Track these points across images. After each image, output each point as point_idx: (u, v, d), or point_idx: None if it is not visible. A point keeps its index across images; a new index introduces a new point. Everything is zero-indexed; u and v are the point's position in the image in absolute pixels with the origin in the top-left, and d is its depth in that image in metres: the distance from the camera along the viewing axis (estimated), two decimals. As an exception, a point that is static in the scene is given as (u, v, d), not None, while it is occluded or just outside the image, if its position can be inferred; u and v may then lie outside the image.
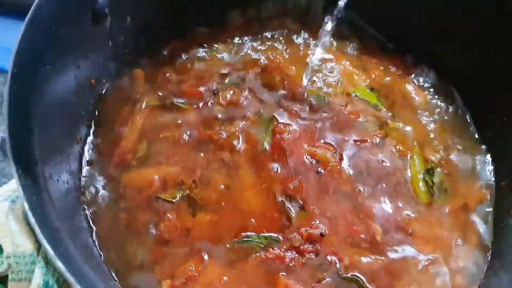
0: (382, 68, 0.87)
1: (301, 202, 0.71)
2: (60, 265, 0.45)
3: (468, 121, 0.83)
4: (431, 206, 0.74)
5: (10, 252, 0.73)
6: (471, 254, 0.72)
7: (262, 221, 0.70)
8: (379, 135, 0.79)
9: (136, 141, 0.75)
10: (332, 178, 0.74)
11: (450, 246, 0.71)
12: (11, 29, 0.93)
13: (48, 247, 0.45)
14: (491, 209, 0.75)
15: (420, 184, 0.76)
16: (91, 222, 0.69)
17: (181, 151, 0.75)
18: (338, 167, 0.75)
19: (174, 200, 0.70)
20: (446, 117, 0.83)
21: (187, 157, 0.74)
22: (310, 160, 0.75)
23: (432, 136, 0.81)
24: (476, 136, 0.82)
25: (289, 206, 0.71)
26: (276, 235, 0.69)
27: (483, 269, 0.71)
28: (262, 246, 0.68)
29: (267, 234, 0.69)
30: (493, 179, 0.77)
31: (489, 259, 0.71)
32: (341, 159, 0.75)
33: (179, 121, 0.77)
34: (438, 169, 0.76)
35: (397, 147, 0.78)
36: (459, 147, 0.80)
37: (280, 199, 0.71)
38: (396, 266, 0.69)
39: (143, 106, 0.78)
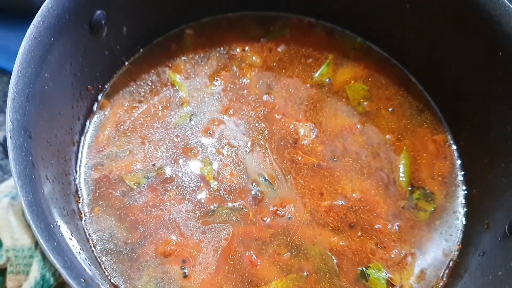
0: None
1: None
2: (51, 257, 0.49)
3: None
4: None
5: (9, 246, 0.77)
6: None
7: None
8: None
9: (111, 136, 0.80)
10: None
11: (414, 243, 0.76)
12: (15, 30, 0.97)
13: (41, 241, 0.50)
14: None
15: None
16: (85, 220, 0.73)
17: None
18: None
19: (134, 187, 0.76)
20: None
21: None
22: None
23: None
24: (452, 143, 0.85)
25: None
26: (238, 204, 0.75)
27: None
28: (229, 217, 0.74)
29: (230, 205, 0.75)
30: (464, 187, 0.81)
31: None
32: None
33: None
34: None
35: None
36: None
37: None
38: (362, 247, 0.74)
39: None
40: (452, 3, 0.76)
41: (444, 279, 0.74)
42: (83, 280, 0.52)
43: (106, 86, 0.84)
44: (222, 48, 0.89)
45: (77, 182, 0.75)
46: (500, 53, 0.72)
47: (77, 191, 0.74)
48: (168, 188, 0.76)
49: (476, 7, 0.73)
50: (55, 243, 0.52)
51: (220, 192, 0.76)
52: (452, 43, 0.80)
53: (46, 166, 0.63)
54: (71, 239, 0.61)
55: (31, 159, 0.57)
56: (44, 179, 0.60)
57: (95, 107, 0.82)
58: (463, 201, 0.79)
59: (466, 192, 0.80)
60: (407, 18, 0.84)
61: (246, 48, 0.90)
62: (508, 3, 0.71)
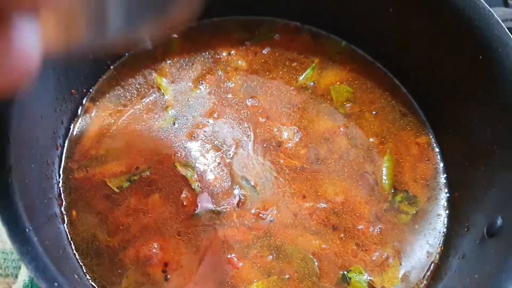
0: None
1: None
2: (24, 261, 0.50)
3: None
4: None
5: (-1, 249, 0.78)
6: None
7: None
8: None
9: (95, 139, 0.80)
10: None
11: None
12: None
13: (14, 245, 0.51)
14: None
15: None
16: (67, 223, 0.74)
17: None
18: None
19: (117, 190, 0.76)
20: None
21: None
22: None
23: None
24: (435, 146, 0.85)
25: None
26: (221, 207, 0.76)
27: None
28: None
29: (213, 207, 0.75)
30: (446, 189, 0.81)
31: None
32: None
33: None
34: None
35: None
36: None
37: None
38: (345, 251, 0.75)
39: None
40: (434, 8, 0.77)
41: (425, 281, 0.74)
42: (56, 284, 0.52)
43: (91, 90, 0.84)
44: (207, 52, 0.90)
45: (60, 185, 0.76)
46: (481, 57, 0.72)
47: (59, 194, 0.75)
48: (151, 192, 0.76)
49: (456, 12, 0.74)
50: (30, 248, 0.53)
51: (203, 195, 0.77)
52: (436, 47, 0.80)
53: (26, 170, 0.63)
54: (49, 243, 0.61)
55: (7, 164, 0.58)
56: (23, 183, 0.61)
57: (79, 111, 0.82)
58: (445, 204, 0.80)
59: (448, 195, 0.80)
60: (391, 22, 0.84)
61: (232, 52, 0.90)
62: (488, 7, 0.71)
